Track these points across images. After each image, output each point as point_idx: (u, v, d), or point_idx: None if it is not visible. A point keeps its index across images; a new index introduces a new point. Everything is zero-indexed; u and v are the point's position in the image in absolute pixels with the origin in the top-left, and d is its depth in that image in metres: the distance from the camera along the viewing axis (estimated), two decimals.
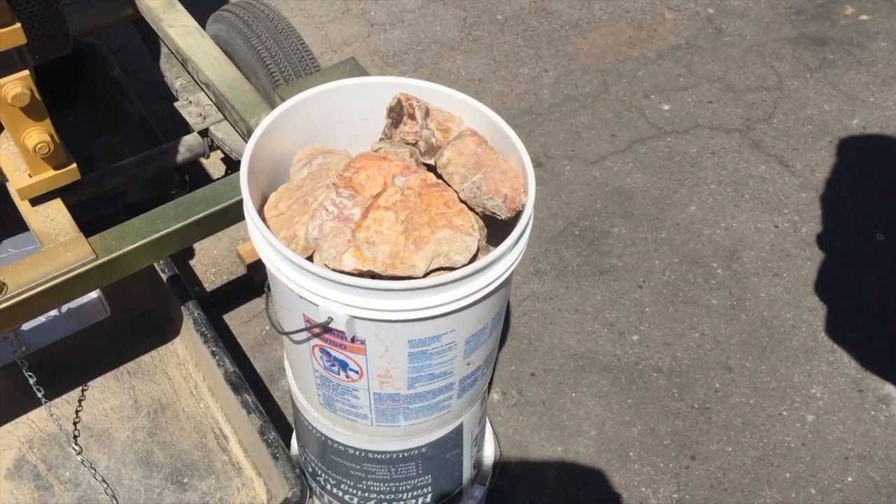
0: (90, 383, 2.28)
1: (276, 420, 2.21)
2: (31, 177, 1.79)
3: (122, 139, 2.74)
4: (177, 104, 2.40)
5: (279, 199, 1.43)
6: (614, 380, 2.37)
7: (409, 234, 1.29)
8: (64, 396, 2.25)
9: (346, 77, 2.01)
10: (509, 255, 1.32)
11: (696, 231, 2.72)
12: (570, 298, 2.54)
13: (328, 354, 1.43)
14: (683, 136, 3.00)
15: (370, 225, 1.29)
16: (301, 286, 1.29)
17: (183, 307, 2.25)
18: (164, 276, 2.28)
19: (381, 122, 1.52)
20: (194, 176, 2.57)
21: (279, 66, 2.24)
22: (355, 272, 1.30)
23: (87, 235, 1.80)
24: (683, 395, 2.34)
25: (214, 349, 2.15)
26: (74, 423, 2.20)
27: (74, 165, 1.83)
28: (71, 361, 2.29)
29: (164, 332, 2.38)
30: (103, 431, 2.20)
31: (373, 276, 1.32)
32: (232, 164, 2.82)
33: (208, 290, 2.55)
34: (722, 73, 3.22)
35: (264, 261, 1.34)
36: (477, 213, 1.41)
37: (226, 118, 2.26)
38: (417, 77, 3.14)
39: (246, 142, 2.17)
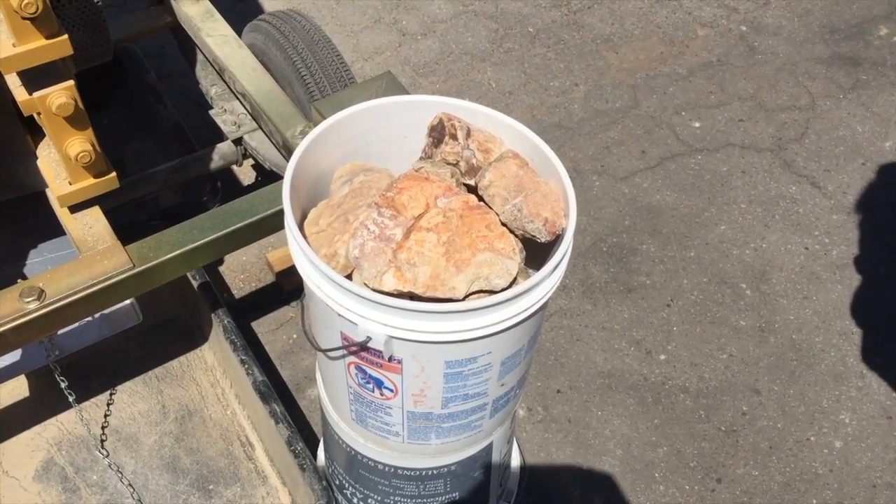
0: (119, 387, 2.30)
1: (301, 430, 2.22)
2: (71, 184, 1.81)
3: (155, 144, 2.76)
4: (211, 112, 2.41)
5: (319, 216, 1.43)
6: (641, 399, 2.36)
7: (451, 256, 1.29)
8: (93, 400, 2.27)
9: (382, 91, 2.02)
10: (548, 280, 1.32)
11: (725, 251, 2.71)
12: (597, 315, 2.54)
13: (363, 372, 1.44)
14: (714, 155, 2.99)
15: (412, 246, 1.29)
16: (340, 304, 1.29)
17: (213, 315, 2.26)
18: (194, 283, 2.30)
19: (422, 140, 1.53)
20: (225, 182, 2.59)
21: (314, 78, 2.25)
22: (395, 293, 1.30)
23: (121, 240, 1.82)
24: (710, 417, 2.33)
25: (244, 357, 2.16)
26: (102, 427, 2.22)
27: (114, 174, 1.85)
28: (101, 365, 2.31)
29: (193, 337, 2.40)
30: (131, 436, 2.21)
31: (412, 297, 1.32)
32: (264, 173, 2.83)
33: (237, 296, 2.57)
34: (754, 92, 3.21)
35: (303, 277, 1.35)
36: (517, 236, 1.42)
37: (261, 128, 2.28)
38: (447, 88, 3.15)
39: (282, 153, 2.19)
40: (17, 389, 2.26)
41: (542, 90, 3.19)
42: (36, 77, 1.63)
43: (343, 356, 1.43)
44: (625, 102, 3.16)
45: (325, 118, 1.96)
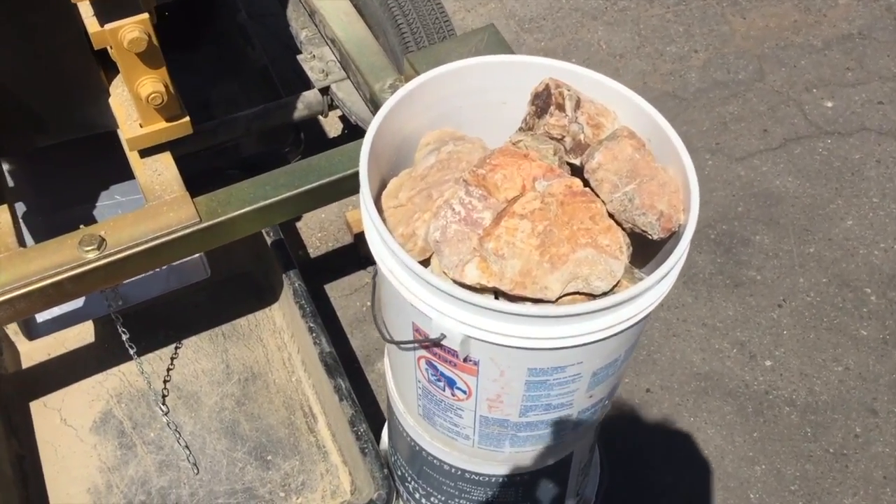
0: (184, 341, 2.20)
1: (368, 406, 2.09)
2: (141, 127, 1.69)
3: (241, 87, 2.63)
4: (299, 57, 2.26)
5: (400, 187, 1.26)
6: (740, 408, 2.13)
7: (546, 250, 1.10)
8: (157, 352, 2.18)
9: (483, 47, 1.82)
10: (657, 287, 1.12)
11: (850, 249, 2.42)
12: (698, 310, 2.30)
13: (435, 368, 1.27)
14: (846, 139, 2.67)
15: (501, 234, 1.10)
16: (414, 294, 1.12)
17: (284, 275, 2.13)
18: (268, 239, 2.17)
19: (523, 107, 1.33)
20: (309, 133, 2.44)
21: (411, 27, 2.06)
22: (478, 286, 1.12)
23: (194, 187, 1.69)
24: (818, 437, 2.08)
25: (312, 325, 2.03)
26: (164, 382, 2.13)
27: (188, 118, 1.71)
28: (168, 316, 2.22)
29: (264, 295, 2.28)
30: (192, 394, 2.12)
31: (497, 292, 1.14)
32: (350, 126, 2.67)
33: (312, 255, 2.44)
34: None
35: (375, 259, 1.18)
36: (624, 230, 1.21)
37: (349, 78, 2.11)
38: (553, 47, 2.91)
39: (368, 107, 2.02)
40: (82, 333, 2.19)
41: (657, 55, 2.92)
42: (109, 7, 1.50)
43: (414, 348, 1.27)
44: (748, 74, 2.86)
45: (417, 73, 1.79)
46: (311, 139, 2.47)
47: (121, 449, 2.04)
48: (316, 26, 2.23)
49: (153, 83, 1.58)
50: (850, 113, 2.74)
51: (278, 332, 2.24)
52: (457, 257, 1.13)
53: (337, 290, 2.37)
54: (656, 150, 1.25)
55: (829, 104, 2.77)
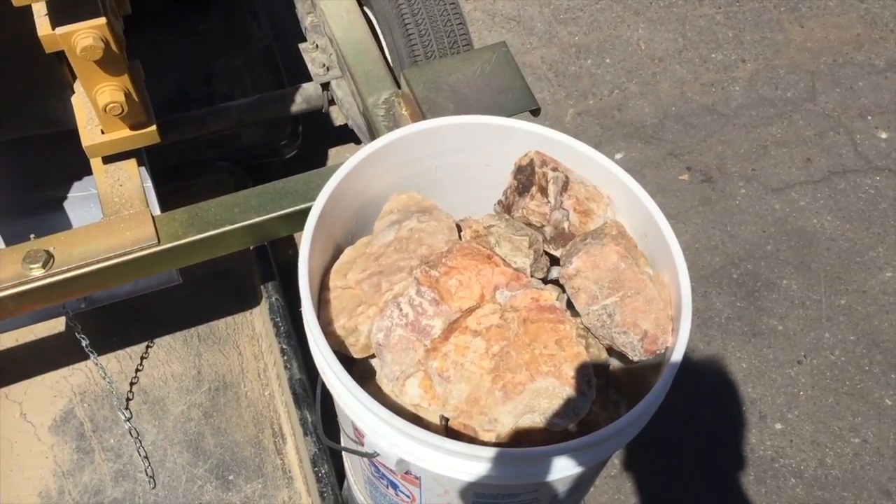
0: (157, 340, 2.09)
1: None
2: (103, 133, 1.54)
3: (246, 64, 2.47)
4: (302, 46, 2.08)
5: (352, 263, 1.10)
6: (741, 474, 1.96)
7: (500, 376, 0.94)
8: (127, 349, 2.07)
9: (489, 68, 1.63)
10: (629, 429, 0.95)
11: (886, 305, 2.20)
12: (709, 358, 2.12)
13: (377, 469, 1.12)
14: None
15: (450, 352, 0.94)
16: (349, 407, 0.97)
17: (263, 287, 2.00)
18: None
19: (506, 172, 1.15)
20: (309, 122, 2.27)
21: (420, 28, 1.86)
22: (417, 409, 0.97)
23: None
24: None
25: (284, 347, 1.90)
26: (131, 384, 2.02)
27: (154, 127, 1.56)
28: (143, 310, 2.10)
29: (245, 297, 2.15)
30: (158, 400, 2.01)
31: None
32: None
33: None
34: None
35: (314, 359, 1.03)
36: (601, 344, 1.04)
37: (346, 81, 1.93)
38: (587, 42, 2.68)
39: (362, 118, 1.84)
40: (52, 323, 2.08)
41: (701, 61, 2.67)
42: (63, 8, 1.33)
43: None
44: (798, 92, 2.61)
45: (413, 91, 1.61)
46: (310, 128, 2.30)
47: (78, 453, 1.94)
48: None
49: (112, 92, 1.43)
50: None
51: (257, 338, 2.11)
52: (399, 368, 0.98)
53: None
54: (651, 250, 1.07)
55: (884, 135, 2.51)
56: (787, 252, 2.29)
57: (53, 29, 1.34)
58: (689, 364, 2.10)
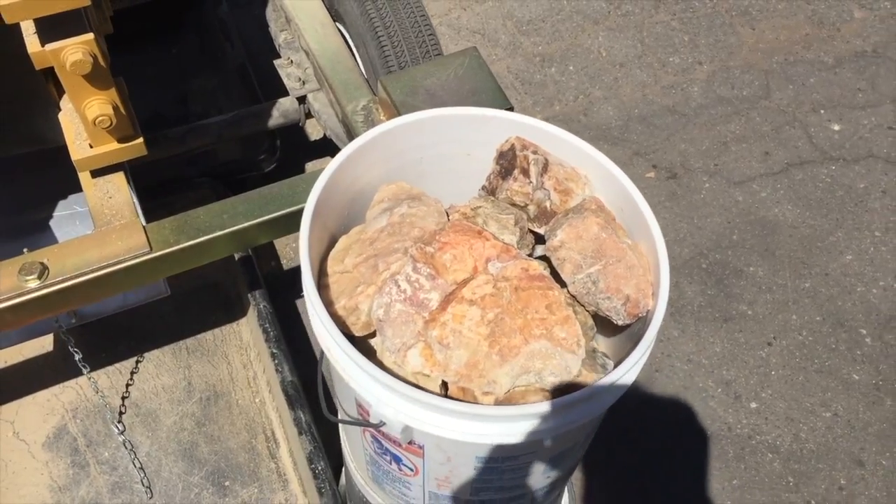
0: (146, 354, 2.12)
1: (333, 438, 2.00)
2: (91, 147, 1.58)
3: (221, 83, 2.52)
4: (277, 62, 2.14)
5: (348, 250, 1.16)
6: (720, 453, 2.04)
7: (496, 341, 1.00)
8: (117, 365, 2.10)
9: (462, 72, 1.71)
10: (618, 384, 1.02)
11: (847, 286, 2.31)
12: (683, 344, 2.20)
13: (380, 444, 1.18)
14: (851, 167, 2.55)
15: (448, 321, 1.00)
16: (354, 379, 1.03)
17: (250, 295, 2.04)
18: (235, 255, 2.08)
19: (488, 161, 1.22)
20: (286, 135, 2.33)
21: (392, 41, 1.94)
22: (420, 375, 1.03)
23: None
24: (800, 487, 1.99)
25: (275, 351, 1.95)
26: (122, 399, 2.05)
27: (141, 140, 1.61)
28: (131, 327, 2.13)
29: (232, 309, 2.19)
30: (150, 412, 2.04)
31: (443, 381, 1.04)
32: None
33: (285, 267, 2.34)
34: None
35: (317, 335, 1.08)
36: (587, 311, 1.11)
37: (323, 93, 2.00)
38: (550, 52, 2.78)
39: (341, 127, 1.90)
40: (41, 342, 2.11)
41: (660, 65, 2.79)
42: (51, 26, 1.39)
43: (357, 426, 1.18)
44: (754, 91, 2.73)
45: (391, 97, 1.68)
46: (288, 142, 2.36)
47: (73, 468, 1.96)
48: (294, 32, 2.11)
49: (101, 105, 1.48)
50: (857, 138, 2.61)
51: (245, 348, 2.15)
52: (399, 340, 1.04)
53: None
54: (628, 222, 1.14)
55: (837, 127, 2.64)
56: (752, 241, 2.38)
57: (43, 46, 1.38)
58: (665, 351, 2.19)
